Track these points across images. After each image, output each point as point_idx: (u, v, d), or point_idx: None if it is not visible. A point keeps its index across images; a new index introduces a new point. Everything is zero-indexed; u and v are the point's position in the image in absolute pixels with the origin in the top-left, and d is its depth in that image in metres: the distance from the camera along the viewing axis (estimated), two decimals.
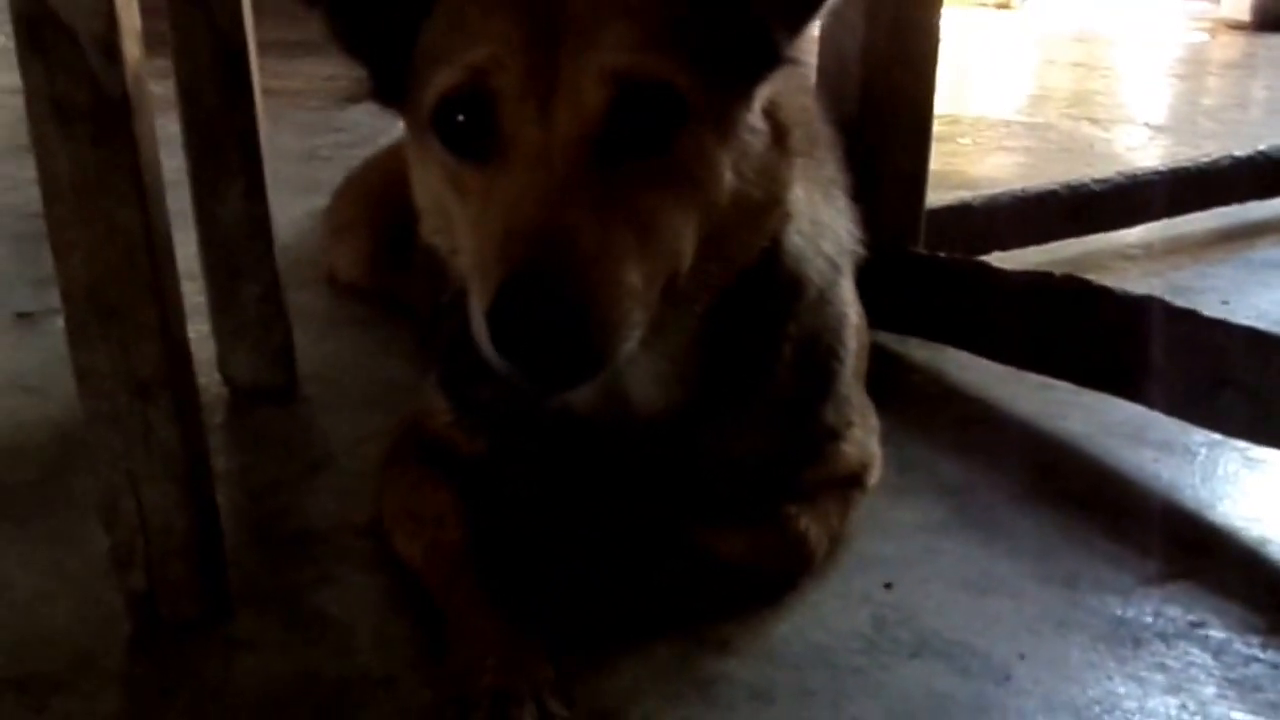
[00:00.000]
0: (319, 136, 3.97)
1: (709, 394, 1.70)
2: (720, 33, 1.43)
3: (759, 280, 1.63)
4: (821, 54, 2.63)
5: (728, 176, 1.47)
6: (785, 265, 1.66)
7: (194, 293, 1.84)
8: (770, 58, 1.49)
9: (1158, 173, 3.39)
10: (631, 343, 1.35)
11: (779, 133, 1.57)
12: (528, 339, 1.28)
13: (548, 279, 1.27)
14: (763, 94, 1.53)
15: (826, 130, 1.87)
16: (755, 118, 1.52)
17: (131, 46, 1.48)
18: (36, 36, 1.43)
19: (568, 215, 1.31)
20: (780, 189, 1.58)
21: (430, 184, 1.52)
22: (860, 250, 1.87)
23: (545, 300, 1.26)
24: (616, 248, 1.32)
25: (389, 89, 1.54)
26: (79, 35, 1.42)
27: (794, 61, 1.52)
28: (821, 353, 1.80)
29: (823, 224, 1.75)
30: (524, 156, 1.36)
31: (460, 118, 1.41)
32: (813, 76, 2.52)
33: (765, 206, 1.57)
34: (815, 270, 1.72)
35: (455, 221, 1.47)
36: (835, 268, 1.79)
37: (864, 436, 1.95)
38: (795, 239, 1.66)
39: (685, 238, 1.44)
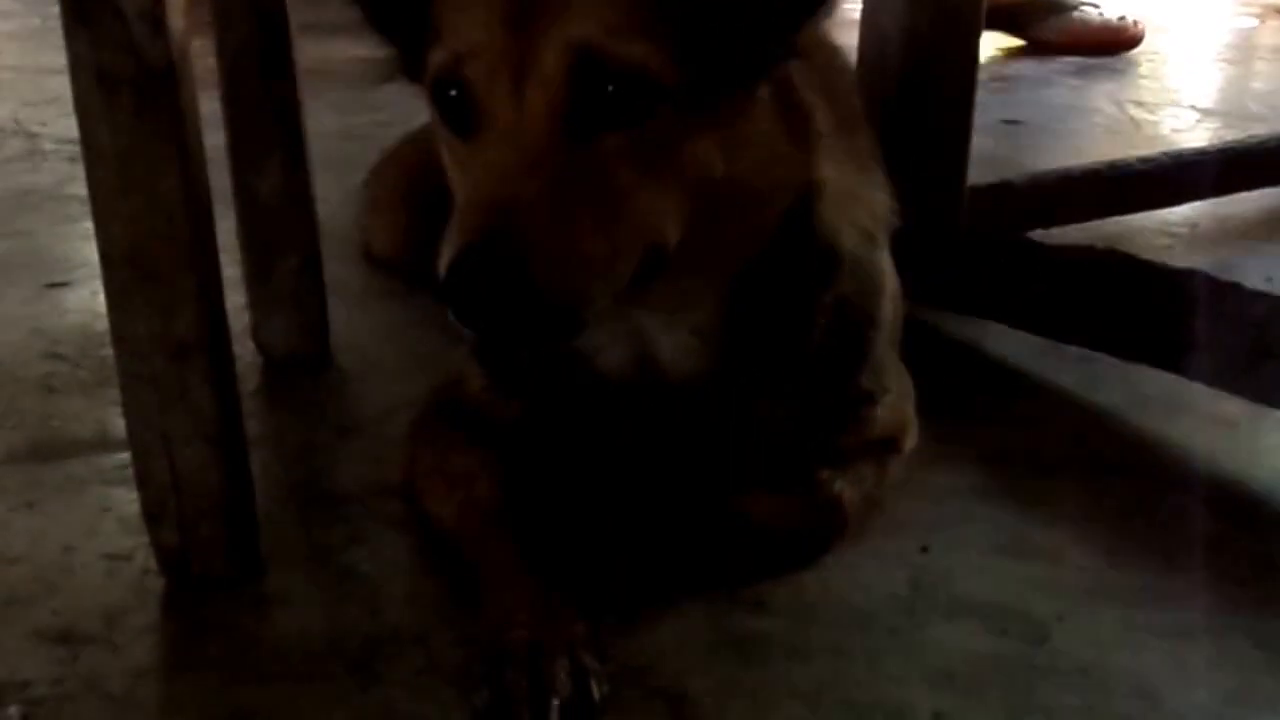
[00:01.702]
0: (355, 115, 3.98)
1: (742, 359, 1.71)
2: (704, 24, 1.45)
3: (791, 251, 1.65)
4: (862, 34, 2.62)
5: (717, 159, 1.50)
6: (818, 237, 1.68)
7: (229, 264, 1.85)
8: (771, 54, 1.52)
9: (1203, 152, 3.35)
10: (592, 308, 1.41)
11: (799, 116, 1.60)
12: (475, 304, 1.34)
13: (494, 248, 1.32)
14: (774, 83, 1.56)
15: (861, 105, 1.87)
16: (764, 104, 1.55)
17: (176, 18, 1.49)
18: (81, 7, 1.45)
19: (525, 186, 1.36)
20: (796, 172, 1.61)
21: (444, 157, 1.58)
22: (896, 221, 1.87)
23: (489, 268, 1.32)
24: (575, 218, 1.38)
25: (414, 67, 1.58)
26: (124, 6, 1.44)
27: (797, 57, 1.55)
28: (856, 320, 1.80)
29: (856, 196, 1.76)
30: (495, 131, 1.43)
31: (452, 93, 1.47)
32: (853, 56, 2.52)
33: (774, 190, 1.60)
34: (849, 241, 1.74)
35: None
36: (870, 238, 1.80)
37: (899, 401, 1.94)
38: (828, 212, 1.68)
39: (662, 214, 1.47)
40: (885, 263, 1.90)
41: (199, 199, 1.56)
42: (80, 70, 1.48)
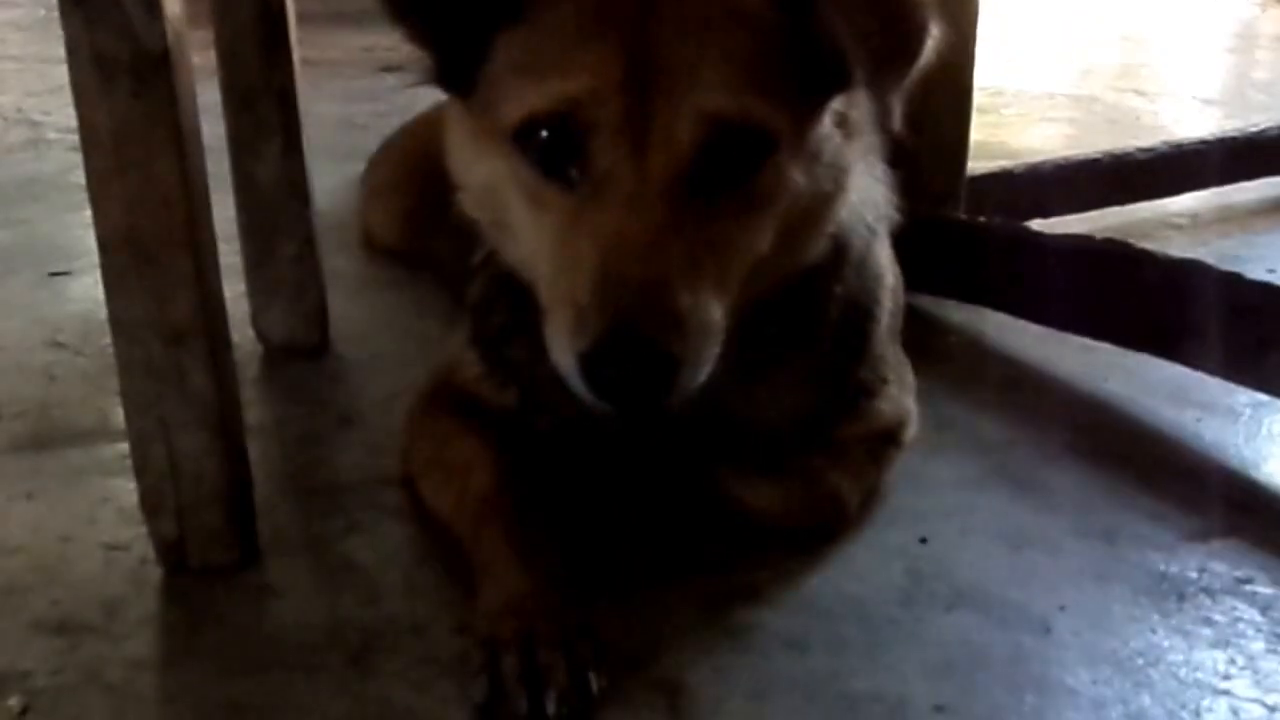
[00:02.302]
0: (356, 105, 4.01)
1: (747, 359, 1.69)
2: (806, 66, 1.47)
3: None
4: None
5: (802, 185, 1.52)
6: (834, 236, 1.68)
7: (229, 253, 1.86)
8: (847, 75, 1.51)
9: (1203, 142, 3.37)
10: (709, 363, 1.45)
11: (843, 121, 1.60)
12: (622, 388, 1.38)
13: (644, 336, 1.36)
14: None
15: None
16: (828, 133, 1.56)
17: (172, 2, 1.50)
18: None
19: (663, 263, 1.39)
20: (845, 175, 1.62)
21: (489, 178, 1.57)
22: (896, 216, 1.88)
23: (642, 358, 1.36)
24: (704, 288, 1.41)
25: (453, 78, 1.57)
26: None
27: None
28: (858, 314, 1.82)
29: (863, 192, 1.76)
30: (618, 194, 1.42)
31: (545, 135, 1.46)
32: None
33: (832, 196, 1.61)
34: (858, 237, 1.75)
35: (524, 229, 1.54)
36: (873, 233, 1.81)
37: (899, 394, 1.95)
38: (843, 211, 1.68)
39: (758, 254, 1.51)
40: (886, 257, 1.91)
41: (195, 181, 1.56)
42: (77, 54, 1.48)
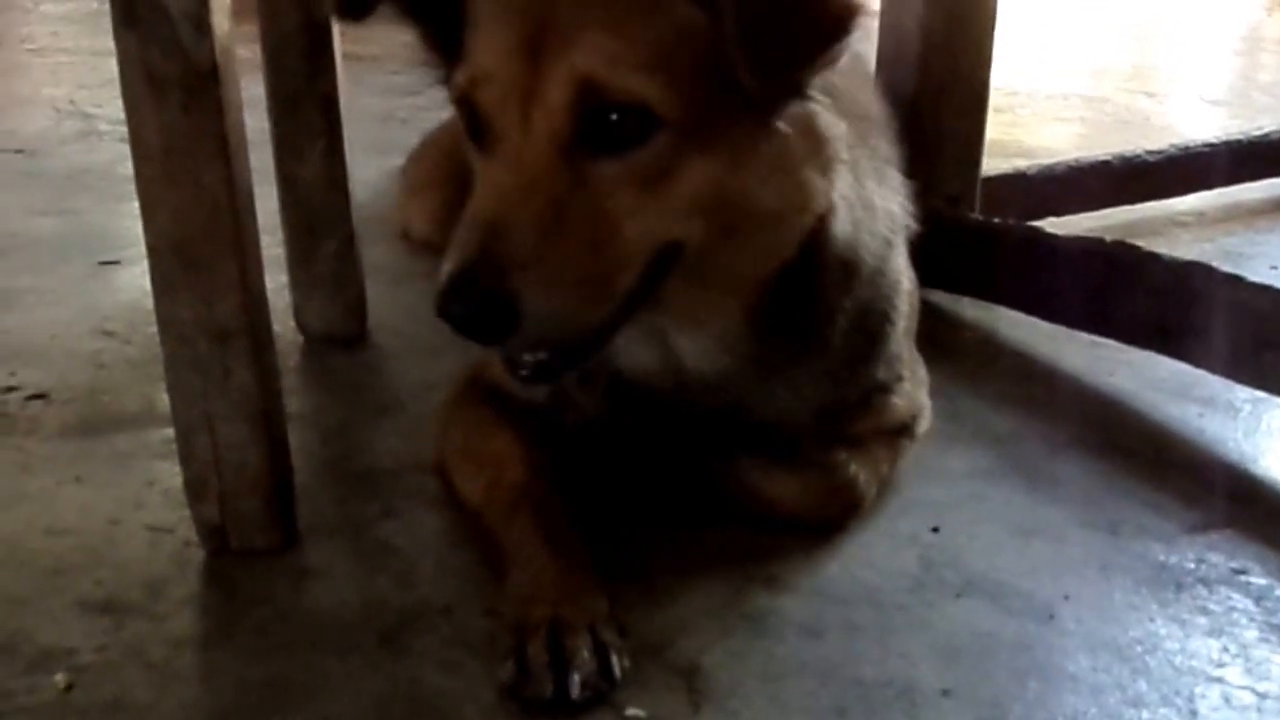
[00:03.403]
0: (396, 100, 4.03)
1: (763, 361, 1.76)
2: (702, 68, 1.51)
3: (807, 266, 1.69)
4: (881, 30, 2.69)
5: (727, 181, 1.55)
6: (834, 252, 1.71)
7: (272, 245, 1.91)
8: (775, 95, 1.56)
9: (1210, 144, 3.42)
10: (577, 326, 1.50)
11: (815, 145, 1.63)
12: (464, 324, 1.44)
13: (483, 269, 1.43)
14: (790, 115, 1.59)
15: (881, 111, 1.91)
16: (779, 134, 1.58)
17: (221, 20, 1.56)
18: (129, 12, 1.52)
19: (520, 209, 1.46)
20: (815, 196, 1.64)
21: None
22: (913, 224, 1.92)
23: (477, 297, 1.42)
24: (569, 238, 1.47)
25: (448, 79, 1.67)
26: (170, 10, 1.51)
27: (805, 98, 1.59)
28: (875, 319, 1.86)
29: (875, 206, 1.79)
30: (500, 152, 1.52)
31: (468, 110, 1.58)
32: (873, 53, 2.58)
33: (792, 212, 1.63)
34: (867, 251, 1.77)
35: None
36: (888, 243, 1.84)
37: (913, 389, 2.00)
38: (843, 228, 1.70)
39: (665, 226, 1.54)
40: (902, 263, 1.95)
41: (241, 190, 1.62)
42: (129, 69, 1.54)
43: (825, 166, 1.64)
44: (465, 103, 1.57)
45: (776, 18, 1.47)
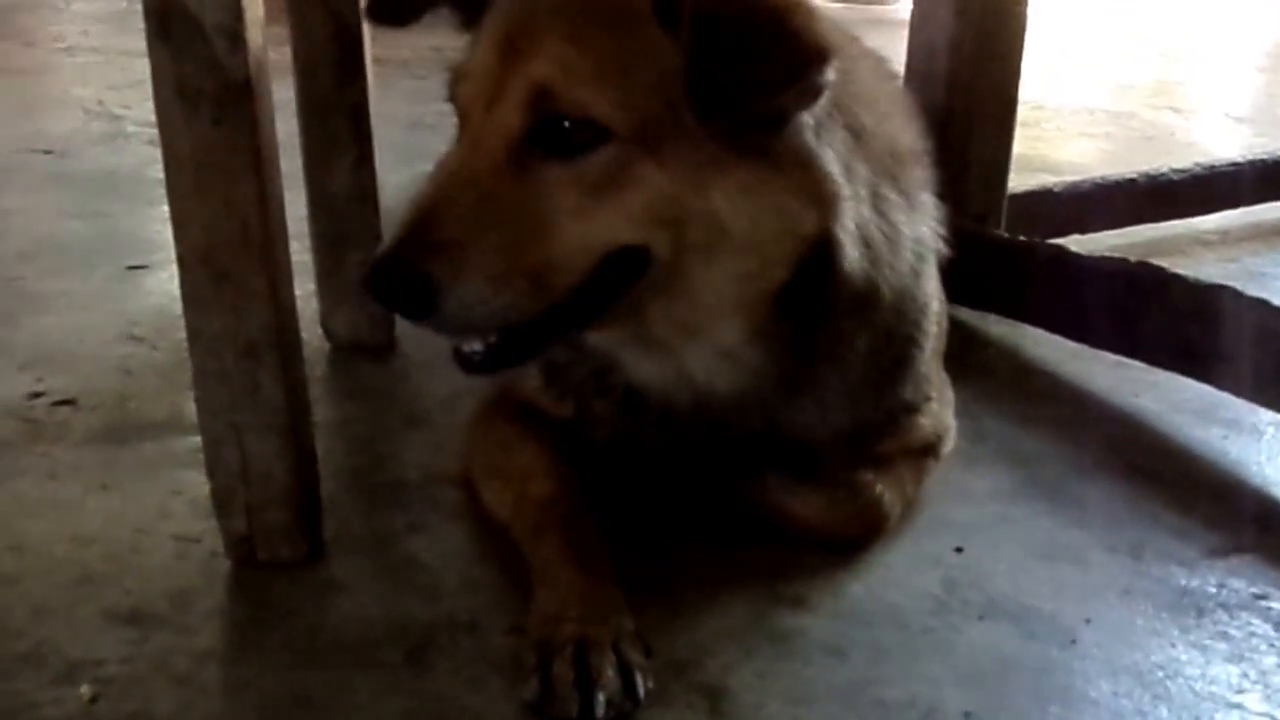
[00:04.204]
0: (425, 105, 4.00)
1: (780, 381, 1.76)
2: (669, 89, 1.53)
3: (816, 294, 1.69)
4: (911, 45, 2.71)
5: (677, 202, 1.57)
6: (846, 282, 1.69)
7: (299, 251, 1.91)
8: (741, 123, 1.57)
9: (1234, 163, 3.42)
10: (506, 316, 1.54)
11: (805, 178, 1.63)
12: (385, 299, 1.55)
13: (405, 255, 1.50)
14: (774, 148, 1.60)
15: (918, 146, 1.90)
16: (751, 163, 1.59)
17: (254, 35, 1.57)
18: (164, 25, 1.53)
19: (456, 198, 1.54)
20: (801, 226, 1.63)
21: None
22: (944, 249, 1.92)
23: (396, 274, 1.50)
24: (503, 231, 1.53)
25: None
26: (204, 25, 1.52)
27: (777, 130, 1.59)
28: (901, 343, 1.86)
29: (900, 237, 1.78)
30: (459, 144, 1.62)
31: (454, 109, 1.69)
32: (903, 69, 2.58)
33: (772, 238, 1.63)
34: (887, 283, 1.76)
35: None
36: (915, 272, 1.84)
37: (939, 409, 2.01)
38: (855, 261, 1.69)
39: (601, 239, 1.57)
40: (932, 287, 1.95)
41: (272, 205, 1.63)
42: (162, 83, 1.55)
43: (817, 199, 1.63)
44: (453, 99, 1.67)
45: (735, 52, 1.50)
